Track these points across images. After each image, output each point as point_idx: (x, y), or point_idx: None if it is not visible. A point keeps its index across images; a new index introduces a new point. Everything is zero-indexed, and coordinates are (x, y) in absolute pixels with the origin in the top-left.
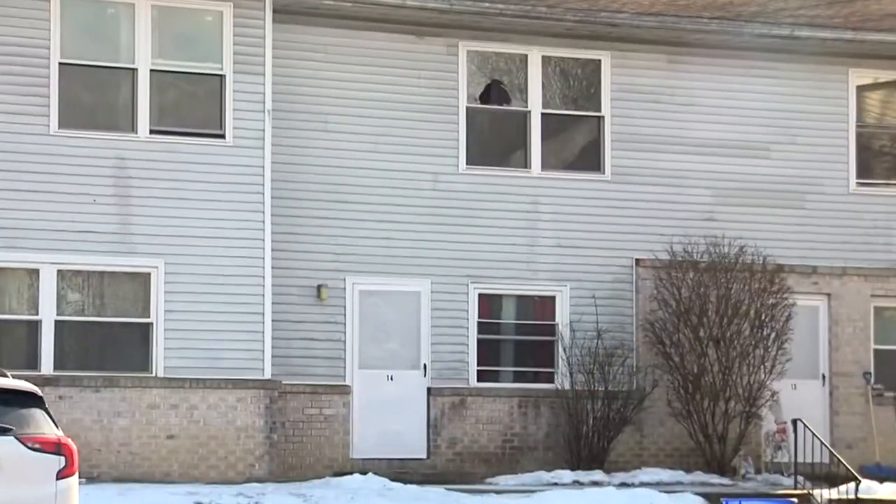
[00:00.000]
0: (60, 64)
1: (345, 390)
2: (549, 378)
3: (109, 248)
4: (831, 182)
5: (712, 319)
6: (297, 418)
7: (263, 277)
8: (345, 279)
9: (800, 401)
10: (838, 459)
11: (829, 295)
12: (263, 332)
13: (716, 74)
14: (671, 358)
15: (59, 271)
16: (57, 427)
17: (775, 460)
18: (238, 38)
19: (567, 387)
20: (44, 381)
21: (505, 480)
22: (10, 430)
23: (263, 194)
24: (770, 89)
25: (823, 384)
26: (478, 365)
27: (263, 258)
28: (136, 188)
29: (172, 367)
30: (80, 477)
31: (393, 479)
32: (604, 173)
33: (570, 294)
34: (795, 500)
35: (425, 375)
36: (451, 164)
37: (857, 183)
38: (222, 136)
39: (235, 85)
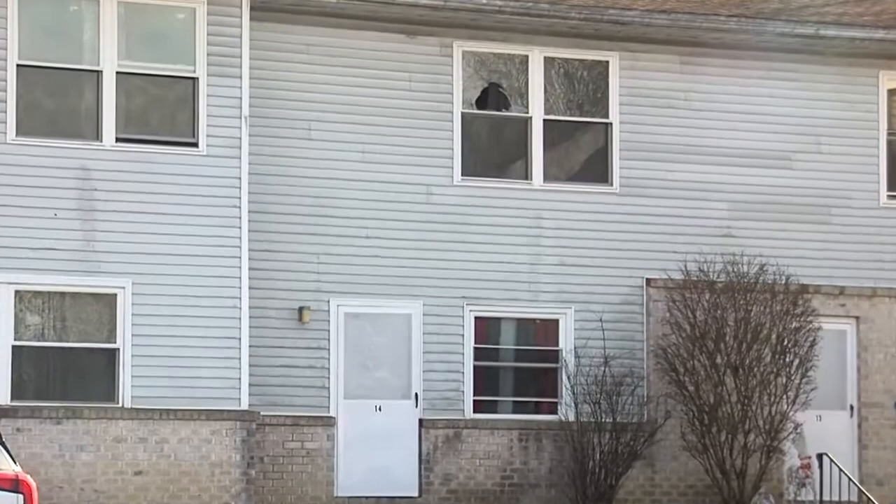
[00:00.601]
0: (18, 66)
1: (329, 422)
2: (553, 409)
3: (72, 266)
4: (860, 195)
5: (730, 345)
6: (276, 452)
7: (240, 299)
8: (329, 301)
9: (826, 433)
10: (868, 497)
11: (857, 318)
12: (240, 359)
13: (734, 77)
14: (685, 387)
15: (16, 292)
16: (14, 462)
17: (799, 498)
18: (212, 38)
19: (572, 418)
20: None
21: None
22: None
23: (240, 208)
24: (793, 94)
25: (851, 415)
26: (474, 394)
27: (240, 278)
28: (100, 201)
29: (141, 397)
30: None
31: None
32: (612, 185)
33: (575, 317)
34: None
35: (417, 406)
36: (446, 176)
37: (889, 196)
38: (195, 145)
39: (209, 89)
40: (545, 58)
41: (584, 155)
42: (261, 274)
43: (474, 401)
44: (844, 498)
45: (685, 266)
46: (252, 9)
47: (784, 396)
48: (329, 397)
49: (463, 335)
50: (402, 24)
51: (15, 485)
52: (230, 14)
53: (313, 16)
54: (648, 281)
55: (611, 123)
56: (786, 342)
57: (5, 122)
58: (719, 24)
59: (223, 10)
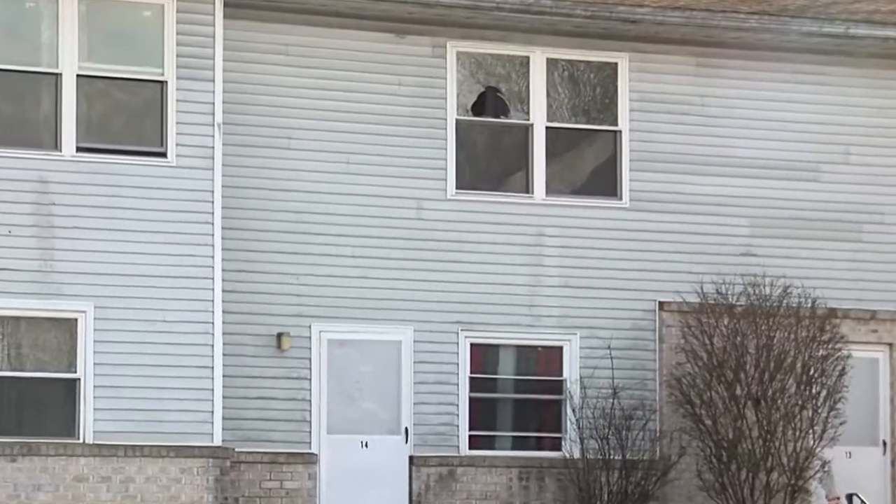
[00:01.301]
0: None
1: (310, 459)
2: (556, 445)
3: (28, 288)
4: (893, 209)
5: (751, 374)
6: (253, 493)
7: (212, 324)
8: (310, 326)
9: (856, 471)
10: None
11: (890, 345)
12: (213, 390)
13: (755, 81)
14: (702, 420)
15: None
16: None
17: None
18: (182, 38)
19: (577, 455)
20: None
21: None
22: None
23: (213, 224)
24: (820, 98)
25: (884, 452)
26: (470, 429)
27: (212, 301)
28: (60, 217)
29: (104, 432)
30: None
31: None
32: (621, 199)
33: (581, 344)
34: None
35: (407, 441)
36: (438, 189)
37: None
38: (163, 155)
39: (179, 93)
40: (548, 59)
41: (590, 166)
42: (235, 297)
43: (470, 436)
44: None
45: (701, 288)
46: (226, 6)
47: (810, 431)
48: (310, 432)
49: (457, 364)
50: (391, 23)
51: None
52: (202, 11)
53: (293, 13)
54: (661, 304)
55: (620, 131)
56: (812, 371)
57: None
58: (739, 22)
59: (194, 7)
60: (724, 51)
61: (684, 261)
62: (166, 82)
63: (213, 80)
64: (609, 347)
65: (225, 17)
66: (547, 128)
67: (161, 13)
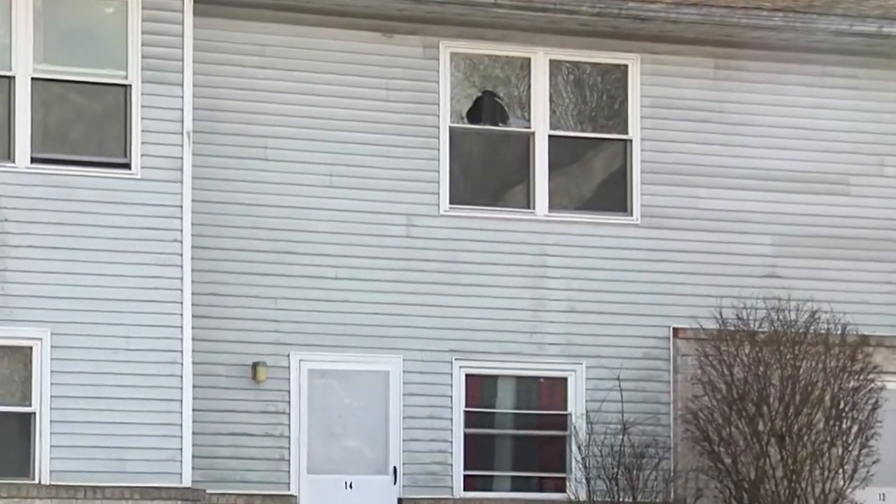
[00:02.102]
0: None
1: (289, 502)
2: (560, 486)
3: None
4: None
5: (775, 408)
6: None
7: (181, 353)
8: (289, 355)
9: None
10: None
11: None
12: (181, 425)
13: (778, 85)
14: (720, 459)
15: None
16: None
17: None
18: (148, 37)
19: (583, 497)
20: None
21: None
22: None
23: (182, 243)
24: (850, 104)
25: None
26: (465, 468)
27: (181, 327)
28: (13, 234)
29: (61, 472)
30: None
31: None
32: (631, 215)
33: (587, 375)
34: None
35: (395, 482)
36: (430, 203)
37: None
38: (127, 166)
39: (145, 98)
40: (551, 61)
41: (597, 179)
42: (207, 322)
43: (465, 476)
44: None
45: (720, 313)
46: (196, 2)
47: (840, 471)
48: (289, 472)
49: (451, 396)
50: (378, 21)
51: None
52: (170, 8)
53: (270, 11)
54: (676, 331)
55: (630, 140)
56: (842, 405)
57: None
58: (761, 20)
59: (161, 3)
60: (745, 52)
61: (701, 283)
62: (130, 86)
63: (182, 84)
64: (618, 378)
65: (195, 14)
66: (550, 136)
67: (125, 10)
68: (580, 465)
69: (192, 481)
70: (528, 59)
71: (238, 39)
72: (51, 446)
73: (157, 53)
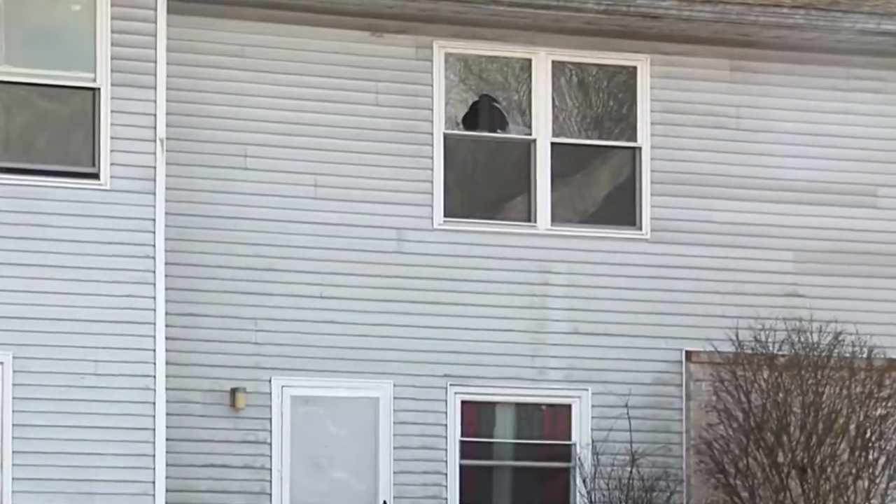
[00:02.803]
0: None
1: None
2: None
3: None
4: None
5: (796, 438)
6: None
7: (154, 378)
8: (270, 380)
9: None
10: None
11: None
12: (154, 456)
13: (800, 88)
14: (737, 493)
15: None
16: None
17: None
18: (118, 37)
19: None
20: None
21: None
22: None
23: (154, 259)
24: (878, 109)
25: None
26: (461, 502)
27: (154, 350)
28: None
29: None
30: None
31: None
32: (640, 229)
33: (593, 401)
34: None
35: None
36: (423, 217)
37: None
38: (95, 176)
39: (115, 103)
40: (553, 62)
41: (604, 189)
42: (182, 345)
43: None
44: None
45: (736, 335)
46: None
47: None
48: None
49: (446, 425)
50: (366, 19)
51: None
52: (142, 5)
53: (251, 8)
54: (689, 354)
55: (639, 148)
56: (869, 434)
57: None
58: (781, 18)
59: (133, 1)
60: (764, 52)
61: (716, 302)
62: (99, 89)
63: (156, 87)
64: (626, 405)
65: (169, 12)
66: (552, 144)
67: (93, 7)
68: (585, 500)
69: None
70: (529, 61)
71: (216, 39)
72: (12, 479)
73: (129, 54)
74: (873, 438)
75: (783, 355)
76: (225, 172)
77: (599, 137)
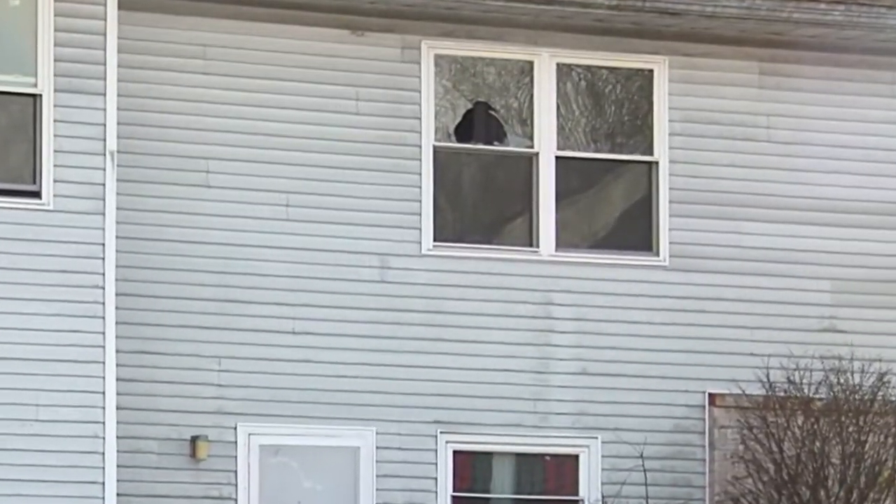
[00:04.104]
0: None
1: None
2: None
3: None
4: None
5: (834, 493)
6: None
7: (103, 424)
8: (236, 427)
9: None
10: None
11: None
12: None
13: (839, 95)
14: None
15: None
16: None
17: None
18: (63, 36)
19: None
20: None
21: None
22: None
23: (104, 289)
24: None
25: None
26: None
27: (103, 392)
28: None
29: None
30: None
31: None
32: (657, 255)
33: (603, 451)
34: None
35: None
36: (410, 241)
37: None
38: (36, 195)
39: (59, 111)
40: (558, 65)
41: (616, 210)
42: (135, 387)
43: None
44: None
45: (767, 376)
46: None
47: None
48: None
49: (436, 478)
50: (346, 16)
51: None
52: (89, 1)
53: (214, 3)
54: (712, 398)
55: (656, 163)
56: None
57: None
58: (818, 14)
59: None
60: (799, 53)
61: (744, 338)
62: (40, 96)
63: (105, 94)
64: (641, 456)
65: (121, 8)
66: (557, 158)
67: (34, 3)
68: None
69: None
70: (531, 63)
71: (174, 38)
72: None
73: (74, 56)
74: None
75: (820, 398)
76: (184, 190)
77: (611, 151)
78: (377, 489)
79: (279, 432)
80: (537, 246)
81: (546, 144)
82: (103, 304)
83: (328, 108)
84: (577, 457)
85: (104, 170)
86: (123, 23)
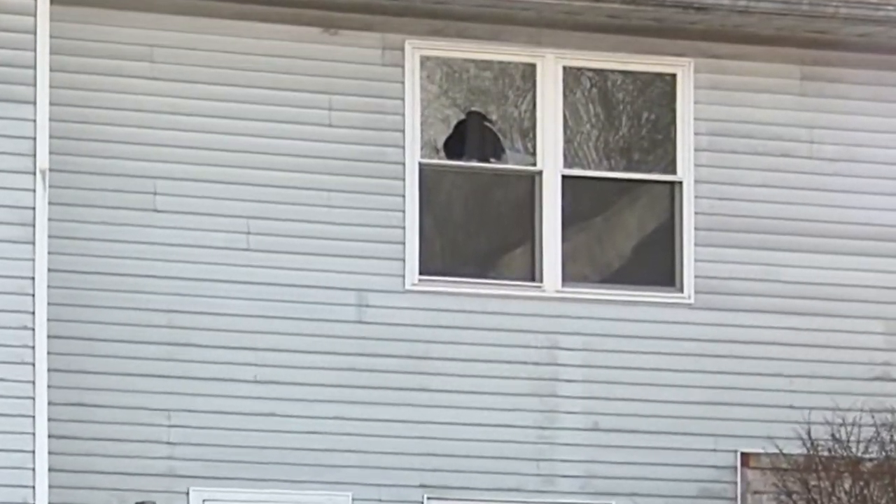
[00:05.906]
0: None
1: None
2: None
3: None
4: None
5: None
6: None
7: (33, 489)
8: (188, 492)
9: None
10: None
11: None
12: None
13: (893, 103)
14: None
15: None
16: None
17: None
18: None
19: None
20: None
21: None
22: None
23: (34, 330)
24: None
25: None
26: None
27: (33, 452)
28: None
29: None
30: None
31: None
32: (681, 291)
33: None
34: None
35: None
36: (392, 274)
37: None
38: None
39: None
40: (565, 68)
41: (632, 238)
42: (70, 446)
43: None
44: None
45: (808, 433)
46: None
47: None
48: None
49: None
50: (318, 11)
51: None
52: None
53: None
54: (745, 458)
55: (679, 183)
56: None
57: None
58: (869, 10)
59: None
60: (845, 56)
61: (781, 388)
62: None
63: (35, 103)
64: None
65: (54, 2)
66: (564, 177)
67: None
68: None
69: None
70: (533, 66)
71: (116, 38)
72: None
73: (1, 58)
74: None
75: (871, 459)
76: (127, 215)
77: (626, 169)
78: None
79: (239, 498)
80: (540, 280)
81: (551, 161)
82: (33, 348)
83: (296, 118)
84: None
85: (34, 191)
86: (57, 19)
